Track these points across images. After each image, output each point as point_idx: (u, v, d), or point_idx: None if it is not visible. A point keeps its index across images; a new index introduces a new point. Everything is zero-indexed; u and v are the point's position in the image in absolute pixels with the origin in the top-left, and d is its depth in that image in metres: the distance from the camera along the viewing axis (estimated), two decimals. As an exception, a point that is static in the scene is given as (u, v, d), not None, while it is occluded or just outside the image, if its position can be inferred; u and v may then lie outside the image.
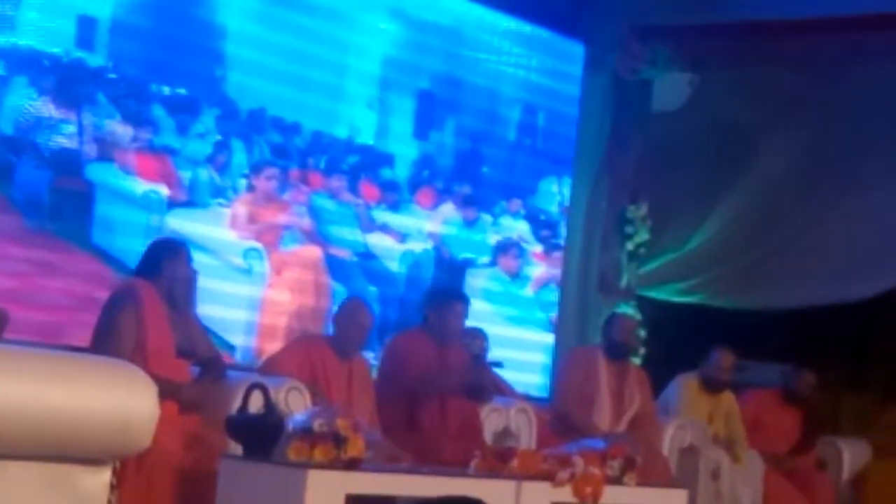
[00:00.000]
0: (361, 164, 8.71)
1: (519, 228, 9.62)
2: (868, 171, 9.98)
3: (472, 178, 9.37)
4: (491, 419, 7.44)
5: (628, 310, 9.68)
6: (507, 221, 9.55)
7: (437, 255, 9.06)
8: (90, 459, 3.20)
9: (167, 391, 5.50)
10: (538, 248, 9.76)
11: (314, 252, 8.33)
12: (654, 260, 10.45)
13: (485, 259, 9.35)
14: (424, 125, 9.09)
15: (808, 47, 9.78)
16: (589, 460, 6.00)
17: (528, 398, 8.29)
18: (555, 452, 6.08)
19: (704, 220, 10.49)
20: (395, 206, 8.85)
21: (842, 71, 9.97)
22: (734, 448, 8.37)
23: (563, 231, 9.90)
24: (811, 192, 10.20)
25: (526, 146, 9.80)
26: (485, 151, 9.47)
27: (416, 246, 8.95)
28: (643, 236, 10.33)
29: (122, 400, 3.18)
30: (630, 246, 10.31)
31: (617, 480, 6.11)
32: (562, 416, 7.78)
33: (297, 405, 6.10)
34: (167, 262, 5.94)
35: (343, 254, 8.52)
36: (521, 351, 9.42)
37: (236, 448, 5.37)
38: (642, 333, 9.82)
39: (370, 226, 8.71)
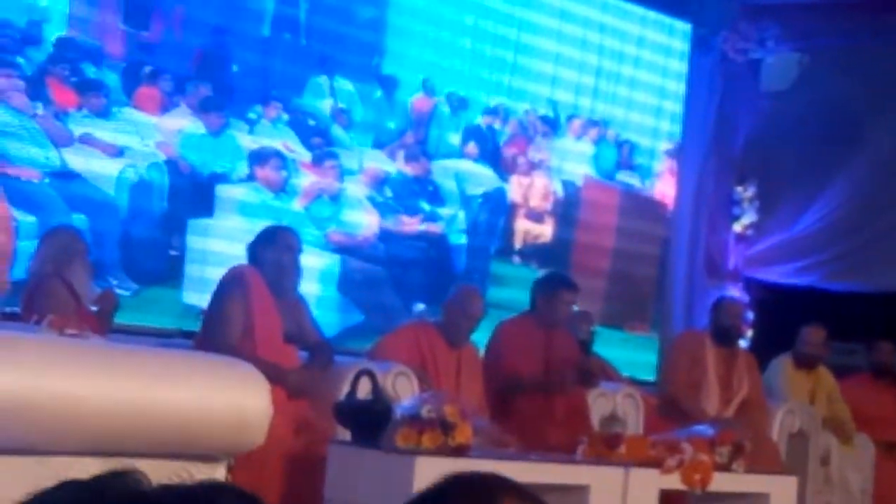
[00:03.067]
0: (50, 60, 7.15)
1: (281, 136, 8.19)
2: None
3: (214, 78, 7.92)
4: (598, 404, 7.42)
5: (735, 293, 9.60)
6: (265, 128, 8.10)
7: (174, 170, 7.59)
8: (205, 456, 3.23)
9: (276, 377, 5.54)
10: (306, 158, 8.30)
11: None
12: (761, 241, 10.35)
13: (242, 173, 7.94)
14: (141, 13, 7.60)
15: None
16: (697, 447, 5.96)
17: (635, 382, 8.25)
18: (663, 438, 6.05)
19: (813, 201, 10.37)
20: (103, 114, 7.29)
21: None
22: (844, 428, 8.26)
23: (336, 136, 8.52)
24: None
25: (285, 42, 8.38)
26: (231, 47, 8.03)
27: (141, 162, 7.45)
28: (751, 217, 10.25)
29: (237, 398, 3.21)
30: (738, 227, 10.23)
31: (726, 467, 6.07)
32: (669, 401, 7.73)
33: (404, 391, 6.12)
34: (264, 249, 5.98)
35: (29, 175, 7.00)
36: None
37: (345, 434, 5.40)
38: (750, 316, 9.74)
39: (67, 139, 7.16)
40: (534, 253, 9.50)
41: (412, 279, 8.78)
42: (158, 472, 3.16)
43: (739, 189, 10.19)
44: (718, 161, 10.19)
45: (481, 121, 9.27)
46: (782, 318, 9.08)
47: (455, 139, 9.10)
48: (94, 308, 5.99)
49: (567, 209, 9.74)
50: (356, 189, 8.49)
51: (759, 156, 10.27)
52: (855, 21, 9.82)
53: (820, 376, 8.50)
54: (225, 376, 3.24)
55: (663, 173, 10.26)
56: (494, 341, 7.08)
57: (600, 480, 5.61)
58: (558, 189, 9.69)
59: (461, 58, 9.13)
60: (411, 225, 8.80)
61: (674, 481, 5.86)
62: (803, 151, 10.29)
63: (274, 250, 5.97)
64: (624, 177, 10.10)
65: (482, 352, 7.04)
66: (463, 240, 9.06)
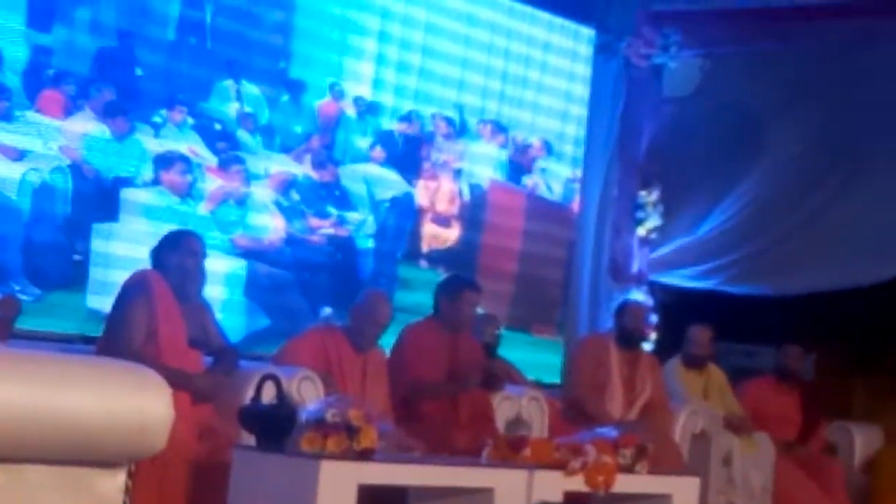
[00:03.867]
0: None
1: (187, 140, 8.09)
2: (880, 154, 9.96)
3: (119, 81, 7.80)
4: (503, 407, 7.45)
5: (640, 296, 9.69)
6: (170, 132, 8.01)
7: (78, 174, 7.50)
8: (105, 462, 3.21)
9: (180, 382, 5.53)
10: (212, 162, 8.21)
11: None
12: (665, 245, 10.45)
13: (147, 177, 7.85)
14: (43, 15, 7.47)
15: (818, 31, 9.76)
16: (601, 449, 6.01)
17: (540, 386, 8.30)
18: (567, 441, 6.09)
19: (716, 205, 10.47)
20: (4, 117, 7.22)
21: (852, 54, 9.95)
22: (744, 423, 8.33)
23: (242, 140, 8.50)
24: (823, 176, 10.17)
25: (191, 45, 8.28)
26: (136, 50, 7.90)
27: (44, 165, 7.35)
28: (655, 222, 10.34)
29: (137, 403, 3.19)
30: (642, 231, 10.32)
31: (629, 469, 6.12)
32: (574, 403, 7.79)
33: (309, 395, 6.12)
34: (169, 253, 5.95)
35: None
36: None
37: (249, 439, 5.38)
38: (654, 319, 9.83)
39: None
40: (441, 257, 9.48)
41: (319, 283, 8.72)
42: (58, 480, 3.15)
43: (643, 193, 10.27)
44: (622, 165, 10.27)
45: (388, 125, 9.24)
46: (686, 321, 9.17)
47: (363, 143, 9.08)
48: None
49: (473, 213, 9.72)
50: (262, 193, 8.44)
51: (662, 160, 10.36)
52: (756, 27, 9.94)
53: (710, 374, 8.61)
54: (124, 381, 3.22)
55: (568, 177, 10.28)
56: (399, 345, 7.08)
57: (505, 483, 5.65)
58: (465, 193, 9.69)
59: (368, 62, 9.12)
60: (318, 229, 8.76)
61: (578, 483, 5.90)
62: (706, 156, 10.39)
63: (178, 254, 5.94)
64: (529, 180, 10.11)
65: (388, 356, 7.05)
66: (370, 244, 9.04)
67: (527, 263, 10.00)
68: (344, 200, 8.94)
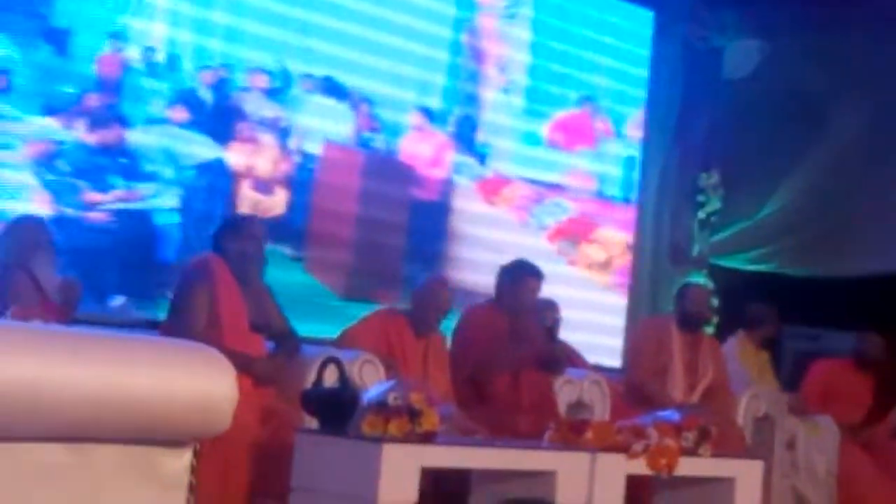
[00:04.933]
0: None
1: None
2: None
3: None
4: (564, 391, 7.44)
5: (700, 279, 9.63)
6: None
7: None
8: (171, 442, 3.23)
9: (242, 365, 5.52)
10: None
11: None
12: (726, 228, 10.41)
13: None
14: None
15: (878, 12, 9.69)
16: (663, 432, 5.98)
17: (601, 369, 8.27)
18: (629, 424, 6.07)
19: (776, 188, 10.42)
20: None
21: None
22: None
23: None
24: (883, 158, 10.11)
25: None
26: None
27: None
28: (715, 205, 10.29)
29: (202, 382, 3.20)
30: (702, 215, 10.28)
31: (692, 451, 6.09)
32: (635, 387, 7.75)
33: (371, 379, 6.13)
34: (230, 238, 5.98)
35: None
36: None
37: (311, 422, 5.40)
38: (715, 303, 9.78)
39: None
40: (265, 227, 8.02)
41: (103, 270, 7.54)
42: (124, 459, 3.17)
43: (703, 176, 10.23)
44: (682, 148, 10.22)
45: (192, 82, 8.02)
46: (748, 304, 9.12)
47: (157, 103, 7.80)
48: (57, 298, 5.97)
49: (303, 176, 8.53)
50: (17, 165, 7.18)
51: (722, 143, 10.31)
52: (814, 8, 9.87)
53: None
54: (189, 361, 3.23)
55: (411, 134, 9.13)
56: (461, 328, 7.09)
57: (567, 466, 5.63)
58: (293, 156, 8.54)
59: (162, 9, 7.86)
60: (98, 205, 7.52)
61: (640, 466, 5.88)
62: (765, 139, 10.34)
63: (239, 239, 5.97)
64: (369, 140, 8.97)
65: (449, 340, 7.06)
66: (175, 219, 7.88)
67: (365, 229, 8.86)
68: (132, 170, 7.70)
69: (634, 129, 10.24)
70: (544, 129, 9.69)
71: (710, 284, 9.64)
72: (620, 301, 9.73)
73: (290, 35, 8.42)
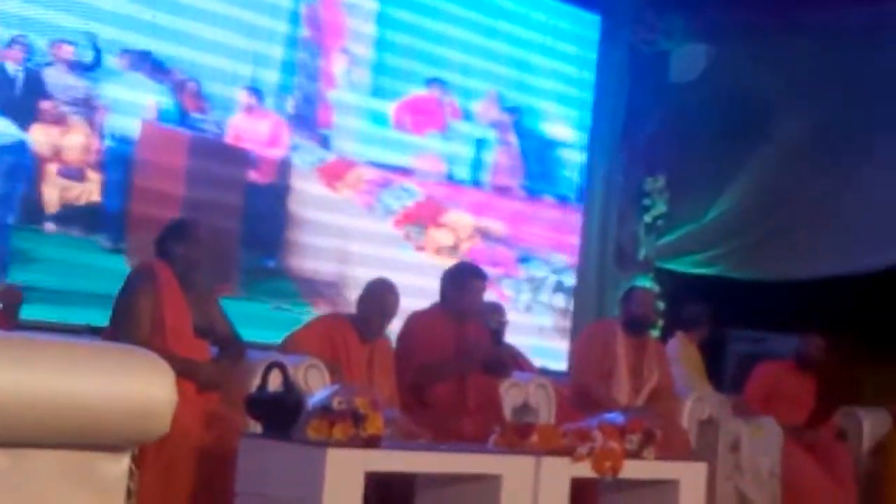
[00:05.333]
0: None
1: None
2: (885, 141, 9.96)
3: None
4: (510, 394, 7.45)
5: (646, 283, 9.69)
6: None
7: None
8: (109, 446, 3.21)
9: (186, 370, 5.54)
10: None
11: None
12: (671, 232, 10.46)
13: None
14: None
15: (824, 16, 9.76)
16: (608, 435, 6.00)
17: (547, 373, 8.29)
18: (574, 427, 6.08)
19: (722, 191, 10.48)
20: None
21: (858, 40, 9.94)
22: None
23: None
24: (828, 162, 10.18)
25: None
26: None
27: None
28: (661, 208, 10.35)
29: (141, 386, 3.18)
30: (648, 218, 10.33)
31: (636, 454, 6.11)
32: (581, 390, 7.78)
33: (316, 384, 6.12)
34: (174, 242, 5.96)
35: None
36: None
37: (256, 427, 5.39)
38: (660, 306, 9.83)
39: None
40: (76, 216, 7.63)
41: None
42: (61, 464, 3.15)
43: (649, 180, 10.28)
44: (628, 152, 10.26)
45: None
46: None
47: None
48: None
49: (119, 160, 7.83)
50: None
51: (668, 147, 10.36)
52: (760, 12, 9.93)
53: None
54: (127, 364, 3.21)
55: (243, 113, 8.50)
56: (406, 332, 7.07)
57: (512, 469, 5.64)
58: (107, 139, 7.81)
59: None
60: None
61: (585, 469, 5.89)
62: (711, 142, 10.39)
63: (182, 243, 5.94)
64: (195, 120, 8.29)
65: (394, 344, 7.05)
66: None
67: (194, 213, 7.93)
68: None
69: (483, 111, 9.77)
70: (391, 111, 9.21)
71: (656, 288, 9.70)
72: None
73: (103, 1, 7.69)
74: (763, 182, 10.40)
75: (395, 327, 7.04)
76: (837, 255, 9.98)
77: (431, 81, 9.43)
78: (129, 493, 3.22)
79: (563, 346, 9.87)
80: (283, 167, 8.65)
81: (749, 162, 10.44)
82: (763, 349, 10.11)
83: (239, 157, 8.44)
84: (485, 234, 9.62)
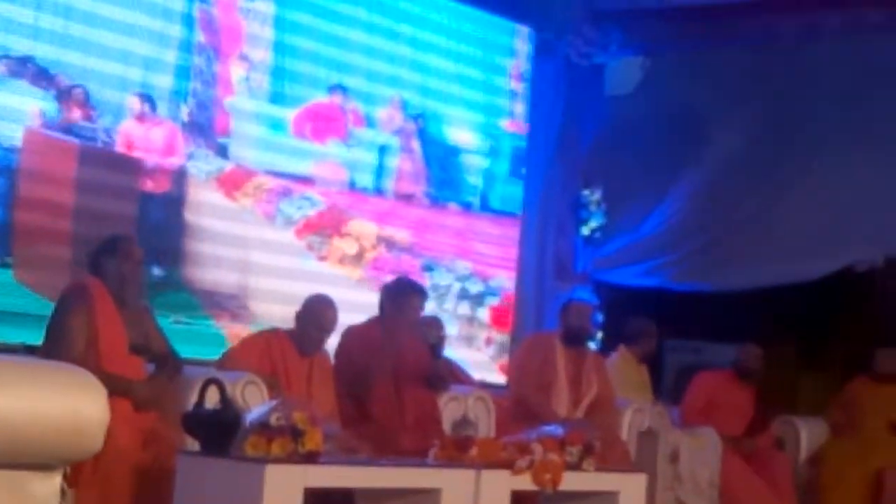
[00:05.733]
0: None
1: None
2: (821, 151, 10.05)
3: None
4: (449, 408, 7.44)
5: (584, 295, 9.70)
6: None
7: None
8: (40, 465, 3.17)
9: (121, 389, 5.50)
10: None
11: None
12: (609, 244, 10.48)
13: None
14: None
15: (759, 28, 9.83)
16: (548, 447, 6.00)
17: (486, 386, 8.28)
18: (513, 440, 6.08)
19: (659, 202, 10.53)
20: None
21: (793, 52, 10.04)
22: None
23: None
24: (765, 173, 10.26)
25: None
26: None
27: None
28: (598, 220, 10.37)
29: (72, 404, 3.15)
30: (585, 230, 10.34)
31: (576, 466, 6.11)
32: (520, 403, 7.78)
33: (254, 399, 6.08)
34: (107, 259, 5.89)
35: None
36: None
37: (193, 444, 5.34)
38: (599, 318, 9.85)
39: None
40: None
41: None
42: (-7, 483, 3.10)
43: (586, 192, 10.30)
44: (564, 165, 10.28)
45: None
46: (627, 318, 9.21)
47: None
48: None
49: (2, 170, 7.40)
50: None
51: (604, 159, 10.39)
52: (696, 26, 9.98)
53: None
54: (58, 381, 3.18)
55: (135, 120, 8.06)
56: (343, 346, 7.05)
57: (452, 483, 5.63)
58: None
59: None
60: None
61: (525, 482, 5.89)
62: (648, 154, 10.44)
63: (115, 259, 5.88)
64: (82, 128, 7.81)
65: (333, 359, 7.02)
66: None
67: (85, 224, 7.64)
68: None
69: (387, 118, 9.52)
70: (290, 118, 8.89)
71: (594, 300, 9.72)
72: (373, 297, 7.87)
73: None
74: (699, 193, 10.46)
75: (332, 342, 7.01)
76: (774, 265, 10.05)
77: (333, 88, 9.15)
78: (60, 512, 3.19)
79: (468, 354, 9.65)
80: (179, 176, 8.26)
81: (685, 174, 10.51)
82: (700, 359, 10.17)
83: (131, 166, 8.04)
84: (389, 243, 9.39)
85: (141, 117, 8.03)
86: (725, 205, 10.35)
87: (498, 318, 9.94)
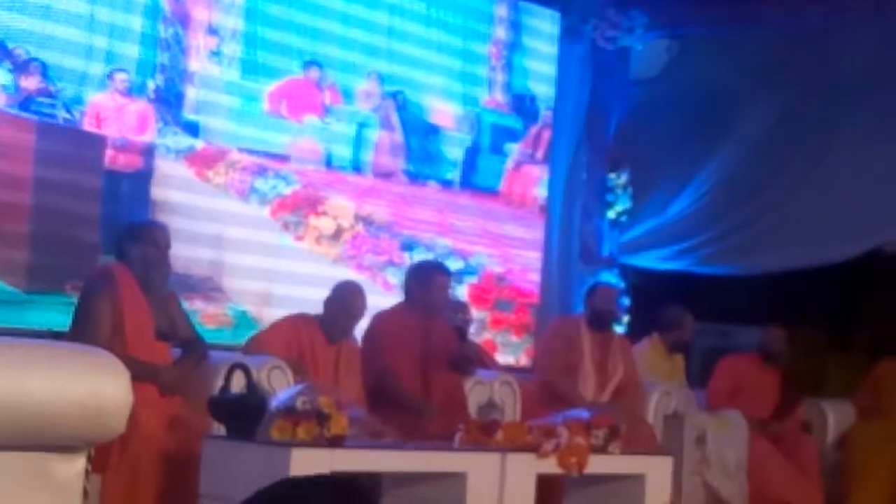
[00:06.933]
0: None
1: None
2: (847, 133, 10.01)
3: None
4: (475, 392, 7.44)
5: (610, 278, 9.70)
6: None
7: None
8: (64, 447, 3.19)
9: (147, 374, 5.53)
10: None
11: None
12: (635, 228, 10.47)
13: None
14: None
15: (786, 11, 9.79)
16: (573, 430, 6.01)
17: (511, 370, 8.28)
18: (539, 423, 6.09)
19: (685, 186, 10.50)
20: None
21: (820, 34, 9.98)
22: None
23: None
24: (791, 155, 10.22)
25: None
26: None
27: None
28: (624, 204, 10.36)
29: (95, 387, 3.17)
30: (611, 214, 10.34)
31: (602, 449, 6.12)
32: (546, 387, 7.78)
33: (279, 384, 6.10)
34: (132, 245, 5.91)
35: None
36: None
37: (219, 429, 5.37)
38: (625, 301, 9.84)
39: None
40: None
41: None
42: (16, 465, 3.13)
43: (612, 176, 10.29)
44: (590, 149, 10.27)
45: None
46: (658, 302, 9.20)
47: None
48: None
49: None
50: None
51: (630, 143, 10.37)
52: (722, 9, 9.95)
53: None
54: (81, 365, 3.20)
55: (98, 95, 7.67)
56: (371, 332, 7.04)
57: (477, 467, 5.64)
58: None
59: None
60: None
61: (551, 465, 5.90)
62: (674, 138, 10.41)
63: (140, 245, 5.90)
64: (41, 105, 7.43)
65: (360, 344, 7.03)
66: None
67: (45, 222, 7.39)
68: None
69: (364, 95, 9.20)
70: (265, 95, 8.52)
71: (620, 283, 9.71)
72: (351, 275, 8.03)
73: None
74: (727, 175, 10.42)
75: (360, 327, 7.01)
76: (801, 248, 10.01)
77: (308, 64, 8.82)
78: (85, 494, 3.20)
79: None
80: (148, 153, 7.89)
81: (712, 156, 10.47)
82: (728, 343, 10.14)
83: (95, 141, 7.62)
84: (367, 222, 9.11)
85: (107, 91, 7.68)
86: (752, 187, 10.31)
87: (477, 296, 9.65)
